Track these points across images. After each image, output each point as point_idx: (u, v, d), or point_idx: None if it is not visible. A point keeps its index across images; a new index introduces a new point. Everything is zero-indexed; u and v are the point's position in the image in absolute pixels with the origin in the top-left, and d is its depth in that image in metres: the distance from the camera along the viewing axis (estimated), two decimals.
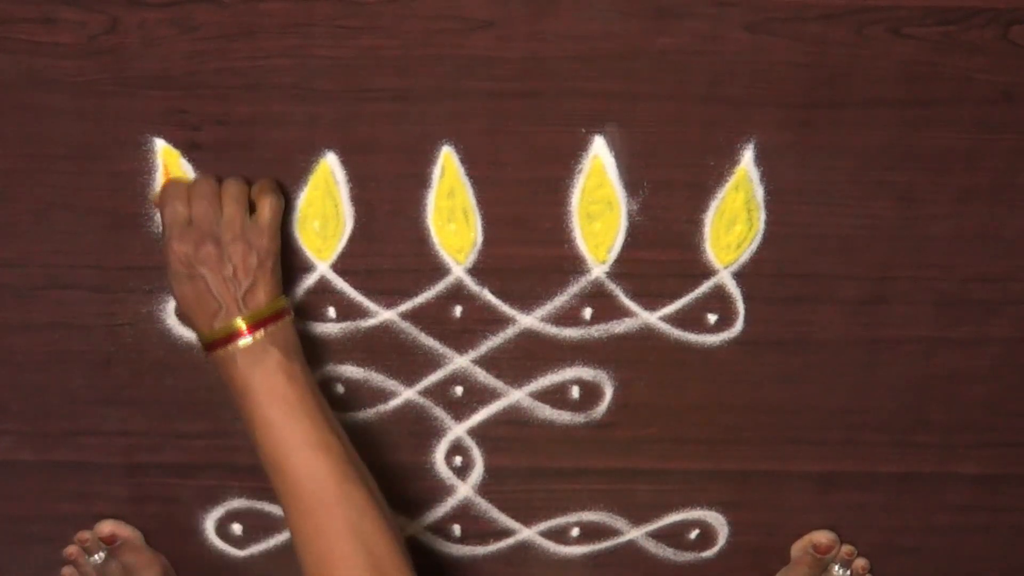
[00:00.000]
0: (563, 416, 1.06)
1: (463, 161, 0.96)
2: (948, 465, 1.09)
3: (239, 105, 0.93)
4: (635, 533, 1.12)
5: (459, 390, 1.05)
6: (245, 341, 0.88)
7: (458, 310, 1.02)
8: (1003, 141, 0.96)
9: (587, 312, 1.02)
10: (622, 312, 1.02)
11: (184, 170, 0.96)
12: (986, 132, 0.95)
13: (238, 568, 1.12)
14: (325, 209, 0.97)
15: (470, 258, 1.00)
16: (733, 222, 0.98)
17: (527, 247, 0.99)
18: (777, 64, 0.93)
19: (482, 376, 1.04)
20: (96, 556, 1.10)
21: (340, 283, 1.00)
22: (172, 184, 0.92)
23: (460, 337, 1.03)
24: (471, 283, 1.01)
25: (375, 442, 1.06)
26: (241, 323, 0.88)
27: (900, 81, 0.93)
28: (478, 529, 1.11)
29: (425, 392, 1.05)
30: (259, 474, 1.06)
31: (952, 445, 1.08)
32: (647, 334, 1.03)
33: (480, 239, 0.99)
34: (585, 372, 1.04)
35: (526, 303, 1.02)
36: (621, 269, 1.00)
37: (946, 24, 0.91)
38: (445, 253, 0.99)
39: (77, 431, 1.06)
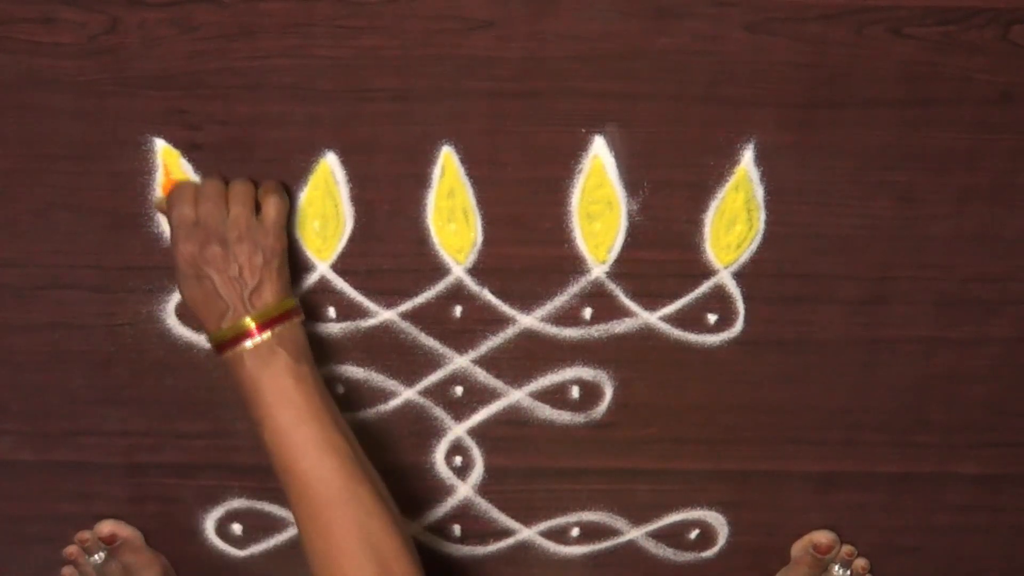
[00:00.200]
0: (563, 416, 1.06)
1: (463, 161, 0.96)
2: (948, 465, 1.09)
3: (239, 105, 0.93)
4: (635, 533, 1.12)
5: (459, 390, 1.05)
6: (252, 342, 0.88)
7: (458, 310, 1.02)
8: (1003, 141, 0.96)
9: (587, 312, 1.02)
10: (622, 312, 1.02)
11: (184, 170, 0.96)
12: (986, 132, 0.95)
13: (238, 568, 1.12)
14: (325, 209, 0.97)
15: (470, 258, 1.00)
16: (733, 222, 0.98)
17: (527, 247, 0.99)
18: (777, 64, 0.93)
19: (482, 376, 1.04)
20: (96, 556, 1.10)
21: (340, 283, 1.00)
22: (179, 186, 0.92)
23: (460, 337, 1.03)
24: (471, 283, 1.01)
25: (375, 442, 1.06)
26: (248, 323, 0.88)
27: (900, 81, 0.93)
28: (478, 529, 1.11)
29: (425, 392, 1.05)
30: (259, 474, 1.07)
31: (952, 445, 1.08)
32: (647, 334, 1.03)
33: (480, 239, 0.99)
34: (585, 372, 1.05)
35: (526, 303, 1.02)
36: (621, 269, 1.00)
37: (946, 24, 0.91)
38: (445, 253, 0.99)
39: (77, 431, 1.06)
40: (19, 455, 1.07)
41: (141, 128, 0.94)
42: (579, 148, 0.96)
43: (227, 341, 0.89)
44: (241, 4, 0.90)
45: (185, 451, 1.07)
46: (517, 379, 1.05)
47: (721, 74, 0.93)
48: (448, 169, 0.96)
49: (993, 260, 1.01)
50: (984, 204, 0.98)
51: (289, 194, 0.95)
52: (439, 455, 1.08)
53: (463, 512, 1.10)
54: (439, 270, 1.00)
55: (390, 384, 1.05)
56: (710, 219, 0.98)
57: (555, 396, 1.06)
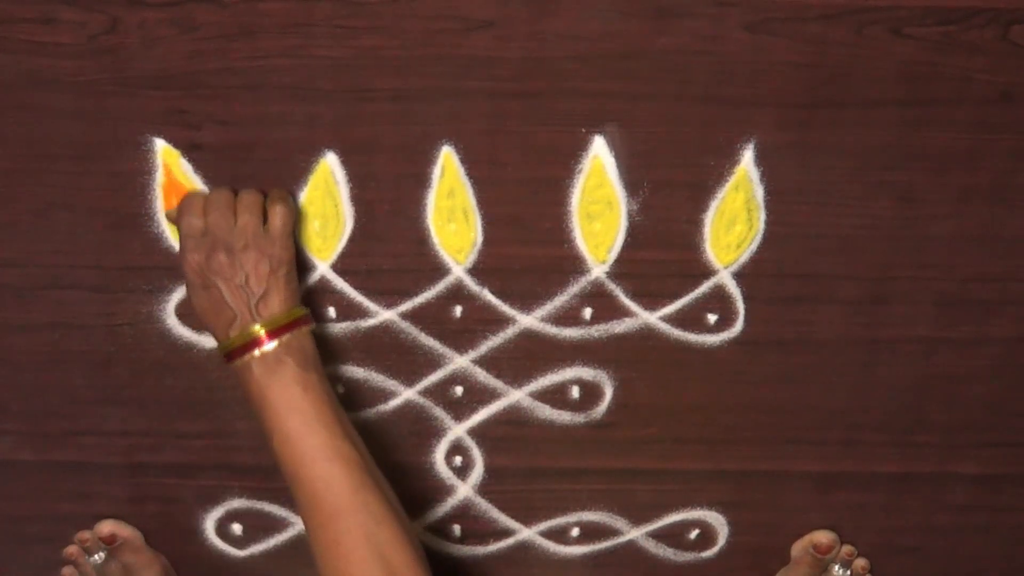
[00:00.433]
0: (563, 416, 1.06)
1: (463, 161, 0.96)
2: (948, 465, 1.09)
3: (239, 105, 0.93)
4: (635, 533, 1.12)
5: (459, 390, 1.05)
6: (260, 351, 0.89)
7: (458, 310, 1.02)
8: (1003, 141, 0.96)
9: (587, 312, 1.02)
10: (622, 312, 1.02)
11: (184, 170, 0.96)
12: (986, 132, 0.95)
13: (238, 568, 1.12)
14: (325, 209, 0.97)
15: (470, 258, 1.00)
16: (733, 222, 0.98)
17: (527, 247, 0.99)
18: (777, 64, 0.93)
19: (482, 376, 1.04)
20: (96, 556, 1.10)
21: (340, 283, 1.00)
22: (188, 197, 0.92)
23: (460, 337, 1.03)
24: (471, 283, 1.01)
25: (375, 442, 1.06)
26: (255, 332, 0.89)
27: (900, 81, 0.93)
28: (478, 529, 1.11)
29: (425, 392, 1.05)
30: (259, 474, 1.07)
31: (952, 445, 1.08)
32: (647, 334, 1.03)
33: (480, 239, 0.99)
34: (585, 372, 1.05)
35: (526, 303, 1.02)
36: (621, 269, 1.00)
37: (946, 24, 0.91)
38: (445, 253, 0.99)
39: (77, 431, 1.06)
40: (19, 455, 1.07)
41: (141, 128, 0.94)
42: (579, 148, 0.96)
43: (235, 350, 0.89)
44: (241, 4, 0.90)
45: (185, 451, 1.07)
46: (517, 379, 1.05)
47: (721, 74, 0.93)
48: (448, 169, 0.96)
49: (993, 260, 1.01)
50: (984, 204, 0.98)
51: (294, 201, 0.95)
52: (439, 455, 1.08)
53: (463, 512, 1.10)
54: (439, 270, 1.00)
55: (390, 384, 1.05)
56: (710, 219, 0.98)
57: (555, 396, 1.06)
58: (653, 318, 1.02)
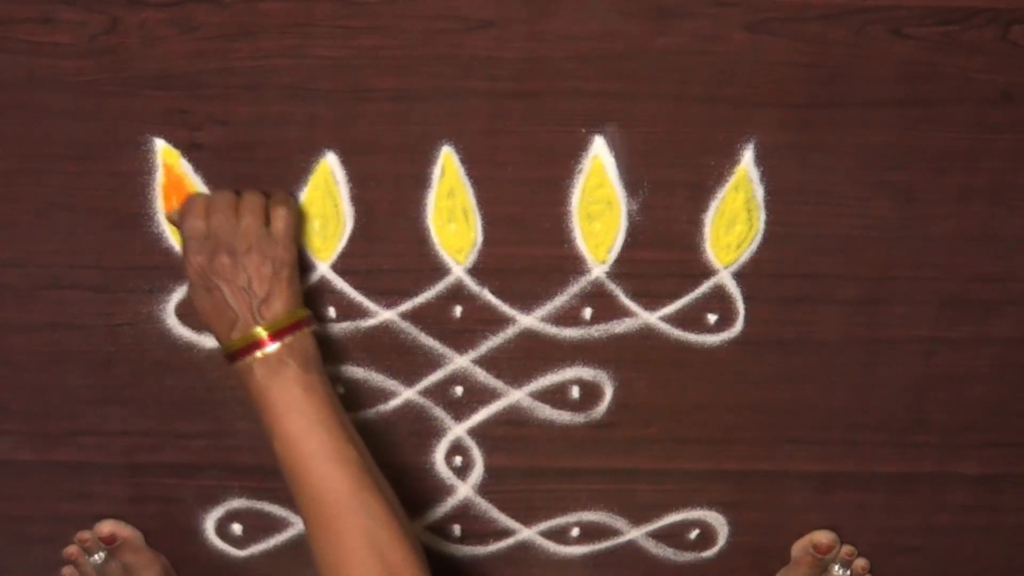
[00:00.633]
0: (563, 416, 1.06)
1: (463, 161, 0.96)
2: (948, 465, 1.09)
3: (239, 105, 0.93)
4: (635, 533, 1.12)
5: (459, 390, 1.05)
6: (262, 352, 0.89)
7: (458, 310, 1.02)
8: (1003, 141, 0.96)
9: (587, 312, 1.02)
10: (622, 312, 1.02)
11: (184, 170, 0.96)
12: (986, 132, 0.95)
13: (238, 568, 1.12)
14: (325, 209, 0.97)
15: (470, 258, 1.00)
16: (733, 222, 0.98)
17: (527, 247, 0.99)
18: (777, 64, 0.93)
19: (482, 376, 1.04)
20: (96, 556, 1.10)
21: (340, 283, 1.00)
22: (191, 199, 0.92)
23: (460, 337, 1.03)
24: (471, 283, 1.01)
25: (375, 442, 1.06)
26: (257, 333, 0.89)
27: (900, 81, 0.93)
28: (478, 529, 1.11)
29: (425, 392, 1.05)
30: (259, 474, 1.07)
31: (952, 445, 1.08)
32: (647, 334, 1.03)
33: (480, 239, 0.99)
34: (585, 372, 1.04)
35: (526, 303, 1.02)
36: (621, 269, 1.00)
37: (946, 24, 0.91)
38: (445, 253, 0.99)
39: (77, 431, 1.06)
40: (19, 455, 1.07)
41: (141, 128, 0.94)
42: (579, 148, 0.96)
43: (237, 352, 0.89)
44: (241, 4, 0.90)
45: (185, 451, 1.07)
46: (517, 379, 1.05)
47: (721, 74, 0.93)
48: (448, 169, 0.96)
49: (993, 260, 1.01)
50: (984, 204, 0.98)
51: (296, 202, 0.95)
52: (439, 455, 1.08)
53: (463, 512, 1.10)
54: (439, 270, 1.00)
55: (390, 384, 1.05)
56: (710, 219, 0.98)
57: (555, 396, 1.06)
58: (653, 318, 1.02)
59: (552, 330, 1.03)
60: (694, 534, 1.12)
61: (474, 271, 1.00)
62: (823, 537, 1.10)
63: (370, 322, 1.02)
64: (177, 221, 0.93)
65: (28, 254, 0.99)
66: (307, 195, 0.97)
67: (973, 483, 1.10)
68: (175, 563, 1.12)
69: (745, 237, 0.99)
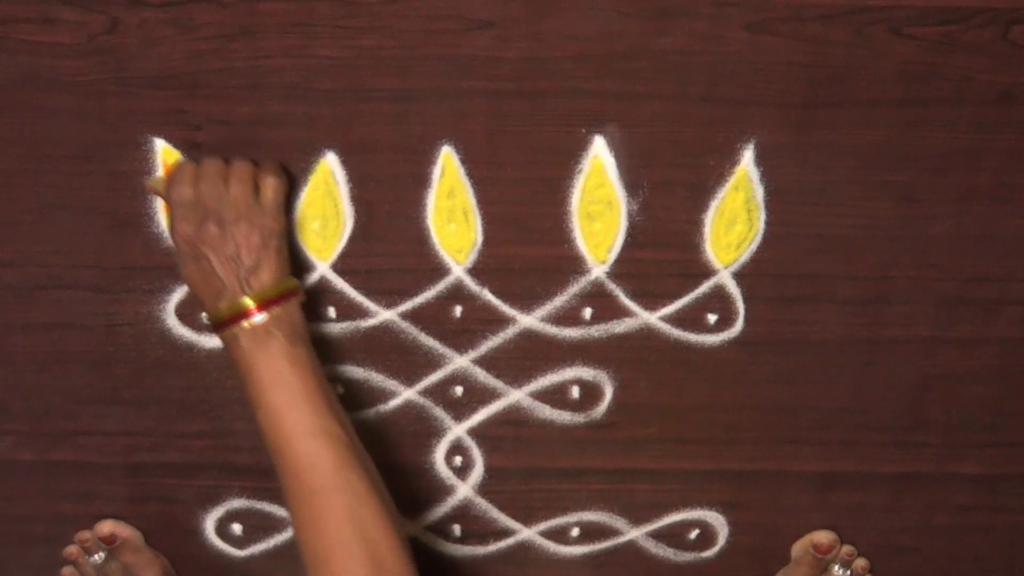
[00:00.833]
0: (563, 416, 1.06)
1: (463, 161, 0.96)
2: (948, 465, 1.09)
3: (239, 105, 0.93)
4: (635, 533, 1.12)
5: (459, 390, 1.05)
6: (248, 322, 0.88)
7: (458, 310, 1.02)
8: (1003, 141, 0.96)
9: (587, 312, 1.02)
10: (622, 312, 1.02)
11: None
12: (986, 132, 0.95)
13: (238, 568, 1.12)
14: (325, 209, 0.97)
15: (470, 258, 1.00)
16: (733, 222, 0.99)
17: (527, 247, 0.99)
18: (777, 64, 0.93)
19: (482, 376, 1.04)
20: (96, 556, 1.10)
21: (340, 283, 1.00)
22: (179, 166, 0.91)
23: (460, 337, 1.03)
24: (471, 283, 1.01)
25: (375, 442, 1.06)
26: (245, 303, 0.88)
27: (900, 81, 0.93)
28: (478, 529, 1.11)
29: (425, 392, 1.05)
30: (259, 474, 1.07)
31: (952, 445, 1.08)
32: (647, 334, 1.03)
33: (480, 239, 0.99)
34: (585, 372, 1.05)
35: (526, 303, 1.02)
36: (621, 269, 1.00)
37: (946, 24, 0.91)
38: (445, 253, 0.99)
39: (77, 431, 1.06)
40: (19, 455, 1.07)
41: (141, 128, 0.94)
42: (579, 148, 0.96)
43: (223, 321, 0.88)
44: (241, 4, 0.90)
45: (185, 451, 1.07)
46: (517, 379, 1.05)
47: (721, 74, 0.93)
48: (448, 169, 0.96)
49: (993, 260, 1.01)
50: (984, 204, 0.98)
51: (289, 177, 0.94)
52: (439, 455, 1.08)
53: (463, 512, 1.10)
54: (439, 270, 1.00)
55: (390, 384, 1.05)
56: (710, 219, 0.98)
57: (555, 396, 1.06)
58: (653, 318, 1.02)
59: (552, 330, 1.03)
60: (694, 534, 1.12)
61: (474, 271, 1.00)
62: (823, 537, 1.10)
63: (370, 322, 1.02)
64: (160, 190, 0.92)
65: (28, 254, 0.99)
66: (307, 195, 0.97)
67: (973, 483, 1.10)
68: (175, 563, 1.12)
69: (745, 237, 0.99)
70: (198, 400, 1.04)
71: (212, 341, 1.02)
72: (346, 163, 0.96)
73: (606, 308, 1.02)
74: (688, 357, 1.04)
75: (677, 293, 1.01)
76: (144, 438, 1.06)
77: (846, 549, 1.11)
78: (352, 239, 0.99)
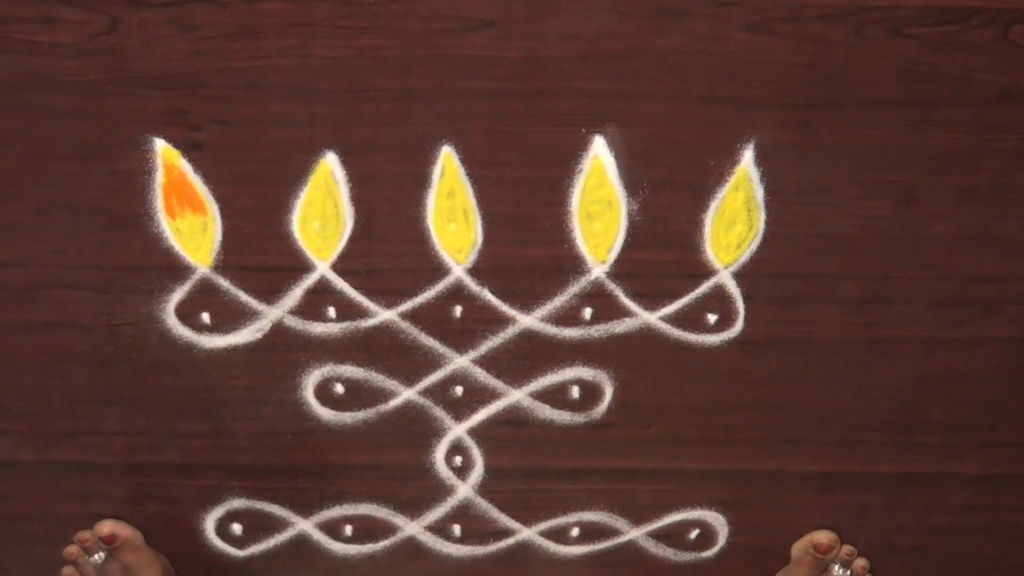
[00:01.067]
0: (563, 416, 1.06)
1: (463, 161, 0.96)
2: (948, 465, 1.09)
3: (239, 105, 0.93)
4: (635, 533, 1.12)
5: (459, 390, 1.05)
6: None
7: (458, 310, 1.02)
8: (1003, 141, 0.96)
9: (587, 312, 1.02)
10: (622, 312, 1.02)
11: (184, 170, 0.96)
12: (986, 132, 0.95)
13: (238, 568, 1.12)
14: (325, 209, 0.97)
15: (470, 258, 1.00)
16: (733, 222, 0.98)
17: (527, 247, 0.99)
18: (777, 64, 0.93)
19: (482, 376, 1.04)
20: (96, 556, 1.10)
21: (340, 283, 1.00)
22: None
23: (460, 337, 1.03)
24: (471, 283, 1.01)
25: (375, 442, 1.06)
26: None
27: (900, 81, 0.93)
28: (478, 529, 1.11)
29: (425, 392, 1.05)
30: (259, 474, 1.07)
31: (952, 445, 1.08)
32: (647, 334, 1.03)
33: (480, 239, 0.99)
34: (585, 372, 1.04)
35: (526, 303, 1.02)
36: (621, 269, 1.00)
37: (946, 24, 0.91)
38: (445, 253, 0.99)
39: (77, 431, 1.06)
40: (19, 455, 1.07)
41: (141, 128, 0.94)
42: (579, 148, 0.96)
43: None
44: (241, 4, 0.90)
45: (185, 451, 1.07)
46: (517, 379, 1.05)
47: (721, 74, 0.93)
48: (448, 169, 0.96)
49: (993, 260, 1.01)
50: (984, 204, 0.98)
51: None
52: (439, 455, 1.08)
53: (463, 512, 1.10)
54: (439, 270, 1.00)
55: (390, 384, 1.05)
56: (710, 219, 0.98)
57: (555, 396, 1.06)
58: (653, 318, 1.02)
59: (552, 330, 1.03)
60: (694, 534, 1.12)
61: (474, 271, 1.00)
62: (823, 537, 1.10)
63: (370, 322, 1.02)
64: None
65: (28, 254, 0.99)
66: (307, 195, 0.97)
67: (973, 483, 1.10)
68: (175, 563, 1.12)
69: (745, 237, 0.99)
70: (198, 400, 1.04)
71: (212, 341, 1.02)
72: (346, 163, 0.96)
73: (606, 308, 1.02)
74: (688, 357, 1.04)
75: (677, 293, 1.01)
76: (144, 438, 1.06)
77: (846, 549, 1.11)
78: (352, 239, 0.99)
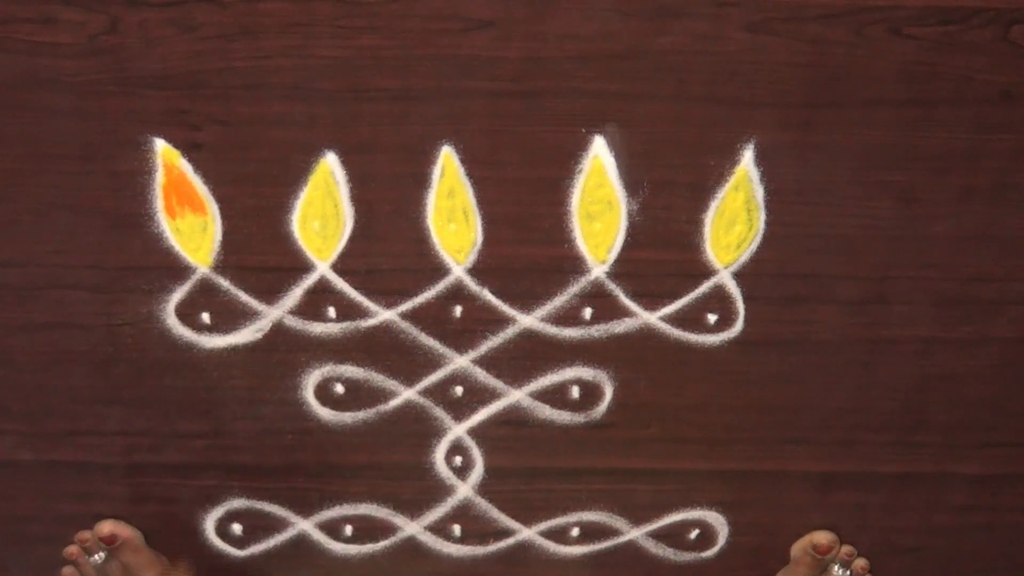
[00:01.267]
0: (563, 416, 1.06)
1: (463, 161, 0.96)
2: (948, 465, 1.09)
3: (239, 105, 0.93)
4: (635, 533, 1.12)
5: (459, 390, 1.05)
6: None
7: (458, 310, 1.02)
8: (1003, 141, 0.96)
9: (587, 312, 1.02)
10: (622, 312, 1.02)
11: (184, 170, 0.96)
12: (986, 132, 0.95)
13: (238, 568, 1.12)
14: (325, 209, 0.97)
15: (470, 258, 1.00)
16: (733, 222, 0.98)
17: (527, 247, 0.99)
18: (777, 64, 0.93)
19: (482, 376, 1.04)
20: (96, 556, 1.10)
21: (340, 283, 1.00)
22: None
23: (460, 337, 1.03)
24: (471, 283, 1.01)
25: (375, 442, 1.06)
26: None
27: (900, 81, 0.93)
28: (478, 529, 1.11)
29: (425, 392, 1.05)
30: (259, 474, 1.07)
31: (952, 445, 1.08)
32: (647, 334, 1.03)
33: (480, 239, 0.99)
34: (585, 372, 1.04)
35: (526, 303, 1.02)
36: (621, 269, 1.00)
37: (946, 24, 0.91)
38: (445, 253, 0.99)
39: (77, 431, 1.06)
40: (19, 455, 1.07)
41: (141, 128, 0.94)
42: (579, 148, 0.96)
43: None
44: (241, 4, 0.90)
45: (185, 451, 1.07)
46: (517, 379, 1.05)
47: (721, 74, 0.93)
48: (448, 169, 0.96)
49: (993, 260, 1.01)
50: (984, 204, 0.98)
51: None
52: (439, 455, 1.08)
53: (463, 512, 1.10)
54: (439, 270, 1.00)
55: (390, 384, 1.05)
56: (710, 219, 0.98)
57: (555, 396, 1.06)
58: (653, 318, 1.02)
59: (552, 330, 1.03)
60: (694, 534, 1.12)
61: (474, 271, 1.00)
62: (823, 537, 1.10)
63: (370, 322, 1.02)
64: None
65: (28, 254, 0.99)
66: (307, 195, 0.97)
67: (973, 483, 1.10)
68: (175, 563, 1.12)
69: (745, 237, 0.99)
70: (198, 400, 1.04)
71: (212, 341, 1.02)
72: (346, 163, 0.96)
73: (606, 308, 1.02)
74: (688, 357, 1.04)
75: (677, 293, 1.01)
76: (144, 438, 1.06)
77: (846, 549, 1.11)
78: (352, 239, 0.99)
